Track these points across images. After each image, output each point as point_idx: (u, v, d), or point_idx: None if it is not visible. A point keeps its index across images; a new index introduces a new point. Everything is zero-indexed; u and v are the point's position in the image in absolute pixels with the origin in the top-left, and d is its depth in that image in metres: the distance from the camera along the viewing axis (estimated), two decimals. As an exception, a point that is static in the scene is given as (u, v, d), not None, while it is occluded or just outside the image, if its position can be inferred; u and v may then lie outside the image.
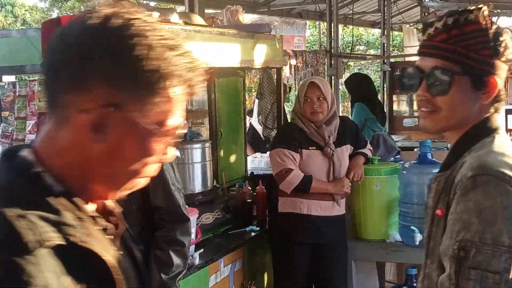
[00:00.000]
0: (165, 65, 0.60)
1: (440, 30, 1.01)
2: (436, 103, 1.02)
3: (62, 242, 0.55)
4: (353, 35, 9.40)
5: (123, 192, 0.66)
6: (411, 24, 8.58)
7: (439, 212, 1.01)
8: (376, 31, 9.03)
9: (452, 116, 1.02)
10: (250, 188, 3.39)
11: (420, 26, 8.90)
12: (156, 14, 2.87)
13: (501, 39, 1.03)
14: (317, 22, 7.96)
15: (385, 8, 6.63)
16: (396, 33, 9.27)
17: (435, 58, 1.01)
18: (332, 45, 5.80)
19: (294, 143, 2.96)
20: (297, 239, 2.69)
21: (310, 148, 3.04)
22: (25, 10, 11.36)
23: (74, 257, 0.56)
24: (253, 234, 2.95)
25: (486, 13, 1.02)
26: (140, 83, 0.58)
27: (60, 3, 9.42)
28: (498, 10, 8.28)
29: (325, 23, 6.21)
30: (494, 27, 0.99)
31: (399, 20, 8.18)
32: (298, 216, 2.69)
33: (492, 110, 1.04)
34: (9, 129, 2.91)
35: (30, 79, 3.04)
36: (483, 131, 1.02)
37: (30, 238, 0.51)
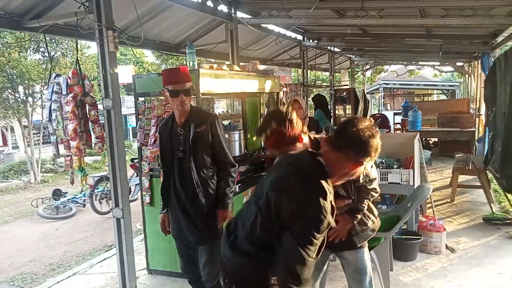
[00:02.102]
0: (373, 149, 1.56)
1: None
2: None
3: (331, 198, 1.49)
4: (315, 75, 13.22)
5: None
6: (344, 69, 12.86)
7: None
8: (327, 73, 12.48)
9: None
10: (263, 153, 4.67)
11: (349, 70, 13.70)
12: (215, 65, 3.90)
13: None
14: (297, 69, 10.75)
15: (332, 62, 10.46)
16: (337, 74, 12.93)
17: None
18: (304, 81, 8.50)
19: None
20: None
21: None
22: (148, 65, 19.94)
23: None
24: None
25: None
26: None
27: (166, 61, 14.31)
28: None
29: (301, 69, 8.82)
30: None
31: (338, 67, 12.07)
32: None
33: None
34: (143, 124, 3.81)
35: (152, 99, 3.79)
36: None
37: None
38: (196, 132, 2.64)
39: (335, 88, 10.82)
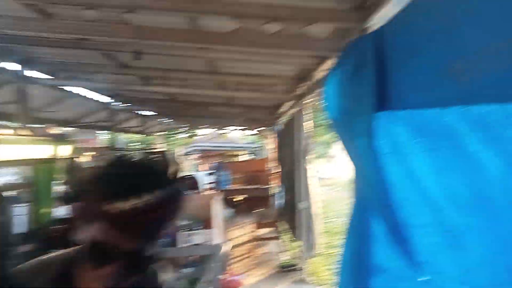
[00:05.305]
0: None
1: None
2: None
3: None
4: (129, 138, 13.56)
5: None
6: (158, 132, 13.63)
7: None
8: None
9: None
10: (55, 228, 4.24)
11: (163, 133, 14.03)
12: None
13: None
14: (107, 132, 11.15)
15: (144, 125, 10.97)
16: (152, 137, 14.01)
17: None
18: (115, 144, 9.64)
19: None
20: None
21: None
22: None
23: None
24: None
25: None
26: None
27: None
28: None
29: (111, 132, 10.23)
30: None
31: (151, 130, 12.76)
32: None
33: None
34: None
35: None
36: None
37: None
38: None
39: (146, 151, 10.55)
